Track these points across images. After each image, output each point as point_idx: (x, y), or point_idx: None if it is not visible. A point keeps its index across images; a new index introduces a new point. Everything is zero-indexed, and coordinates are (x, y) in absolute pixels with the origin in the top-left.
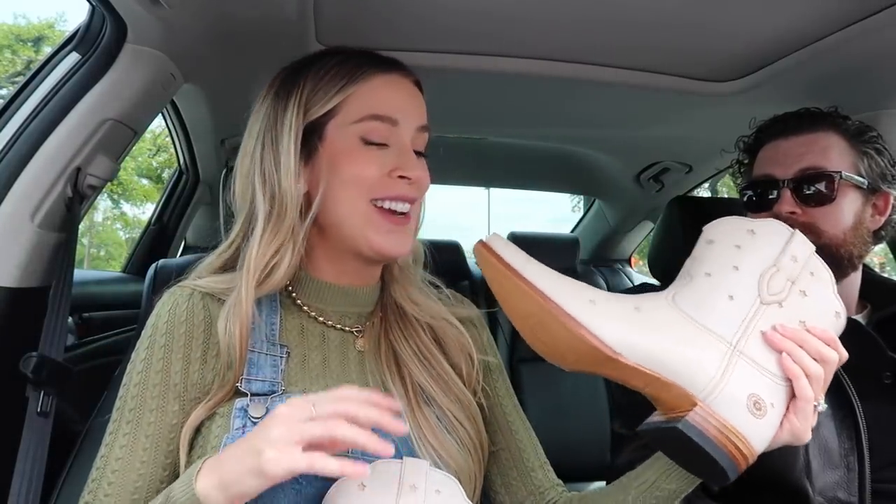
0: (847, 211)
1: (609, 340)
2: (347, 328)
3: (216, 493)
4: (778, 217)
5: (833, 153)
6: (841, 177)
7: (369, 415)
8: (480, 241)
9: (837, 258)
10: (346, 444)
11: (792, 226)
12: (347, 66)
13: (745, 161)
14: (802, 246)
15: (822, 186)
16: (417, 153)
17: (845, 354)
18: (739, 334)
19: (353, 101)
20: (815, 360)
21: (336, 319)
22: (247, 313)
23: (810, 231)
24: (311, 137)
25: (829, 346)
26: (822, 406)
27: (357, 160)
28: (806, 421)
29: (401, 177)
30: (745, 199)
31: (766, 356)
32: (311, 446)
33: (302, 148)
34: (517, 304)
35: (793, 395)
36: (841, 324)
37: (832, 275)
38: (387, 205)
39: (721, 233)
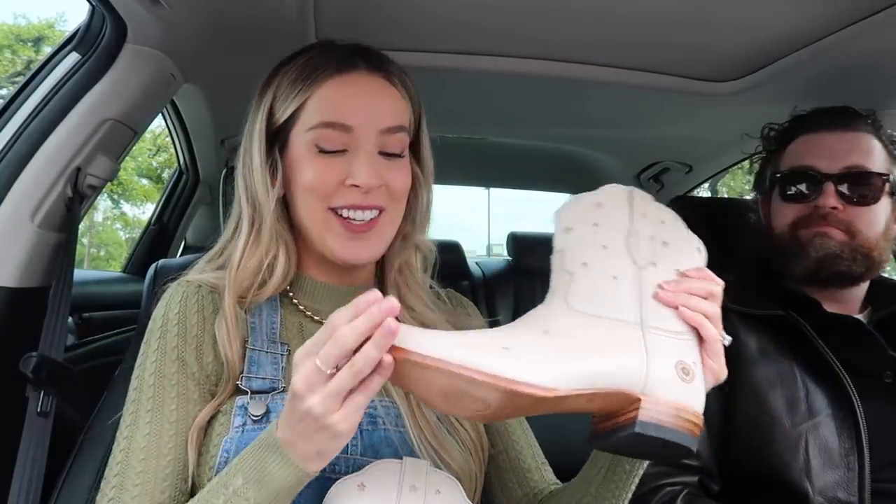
0: (882, 215)
1: (539, 380)
2: None
3: (314, 463)
4: (818, 210)
5: (876, 156)
6: (888, 180)
7: (365, 328)
8: (393, 348)
9: (871, 261)
10: (368, 369)
11: (832, 222)
12: (308, 69)
13: (773, 150)
14: (644, 199)
15: (867, 187)
16: (391, 154)
17: (721, 283)
18: (639, 309)
19: (310, 107)
20: (705, 299)
21: None
22: (230, 318)
23: (847, 230)
24: (276, 143)
25: (708, 280)
26: (727, 339)
27: (312, 169)
28: (719, 358)
29: (355, 185)
30: (778, 187)
31: (667, 319)
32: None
33: (270, 153)
34: (439, 384)
35: (701, 341)
36: (704, 256)
37: (676, 214)
38: (344, 213)
39: (574, 217)
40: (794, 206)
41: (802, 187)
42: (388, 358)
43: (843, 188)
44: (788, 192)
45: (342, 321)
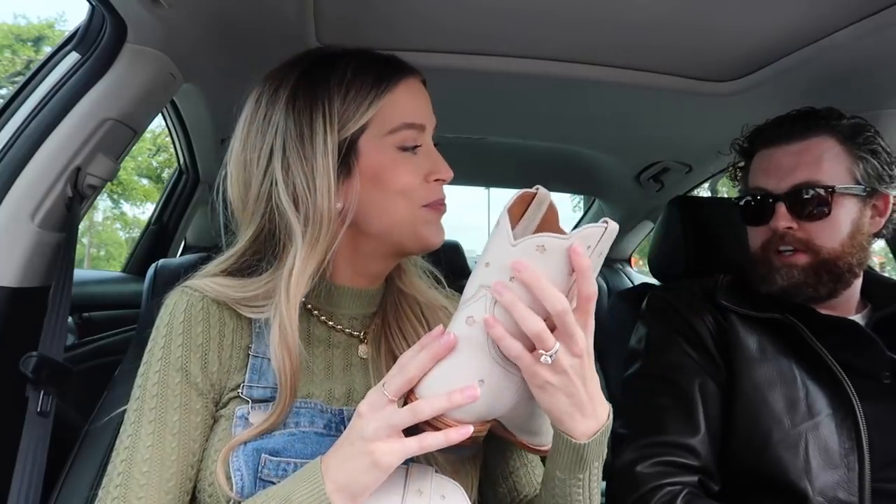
0: (844, 222)
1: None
2: (354, 332)
3: (342, 497)
4: (775, 232)
5: (826, 162)
6: (834, 191)
7: (427, 358)
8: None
9: (837, 272)
10: (427, 413)
11: (791, 242)
12: (370, 77)
13: (742, 164)
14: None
15: (816, 202)
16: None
17: None
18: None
19: (384, 112)
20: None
21: (345, 323)
22: (294, 342)
23: (808, 248)
24: (346, 155)
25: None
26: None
27: (399, 171)
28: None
29: (436, 179)
30: (741, 210)
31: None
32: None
33: (341, 166)
34: None
35: None
36: None
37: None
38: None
39: None
40: (757, 230)
41: (758, 210)
42: (453, 434)
43: (795, 206)
44: (749, 216)
45: (409, 355)
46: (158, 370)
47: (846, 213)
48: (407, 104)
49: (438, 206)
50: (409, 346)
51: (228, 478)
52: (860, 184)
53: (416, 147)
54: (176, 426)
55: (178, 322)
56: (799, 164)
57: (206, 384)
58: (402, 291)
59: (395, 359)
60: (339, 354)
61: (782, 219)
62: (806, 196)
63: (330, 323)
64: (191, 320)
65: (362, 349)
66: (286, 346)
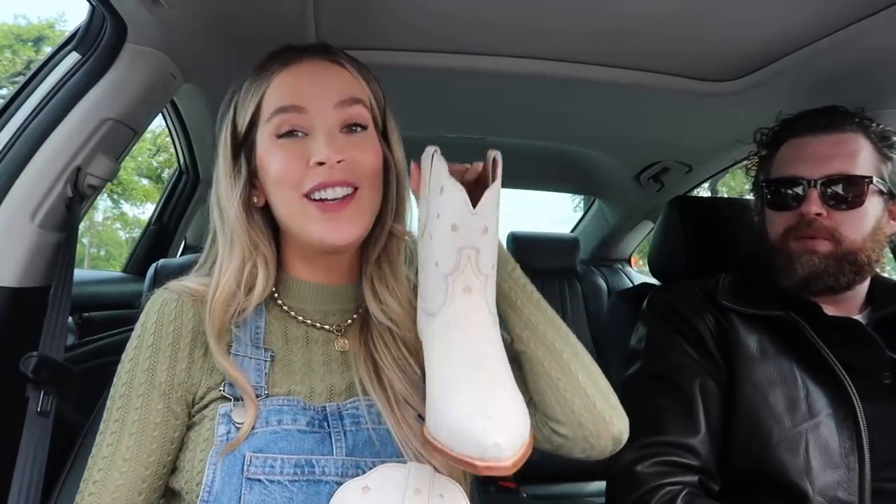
0: (870, 216)
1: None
2: (328, 327)
3: None
4: (804, 217)
5: (861, 157)
6: (871, 182)
7: None
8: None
9: (859, 264)
10: None
11: (818, 230)
12: (257, 72)
13: (764, 154)
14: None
15: (852, 191)
16: (353, 128)
17: None
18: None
19: (264, 104)
20: None
21: (318, 318)
22: (216, 349)
23: (832, 237)
24: (248, 152)
25: None
26: None
27: (276, 158)
28: None
29: (319, 163)
30: (767, 195)
31: None
32: None
33: (236, 162)
34: None
35: None
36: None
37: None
38: (316, 195)
39: None
40: (783, 215)
41: (788, 195)
42: None
43: (827, 194)
44: (776, 200)
45: None
46: (128, 370)
47: (873, 208)
48: (283, 90)
49: (322, 202)
50: (389, 351)
51: (188, 467)
52: (886, 182)
53: (293, 132)
54: (134, 426)
55: (151, 322)
56: (836, 155)
57: (169, 384)
58: (366, 295)
59: (373, 359)
60: (318, 350)
61: (814, 204)
62: (841, 184)
63: (300, 318)
64: (162, 320)
65: (340, 343)
66: (219, 355)
